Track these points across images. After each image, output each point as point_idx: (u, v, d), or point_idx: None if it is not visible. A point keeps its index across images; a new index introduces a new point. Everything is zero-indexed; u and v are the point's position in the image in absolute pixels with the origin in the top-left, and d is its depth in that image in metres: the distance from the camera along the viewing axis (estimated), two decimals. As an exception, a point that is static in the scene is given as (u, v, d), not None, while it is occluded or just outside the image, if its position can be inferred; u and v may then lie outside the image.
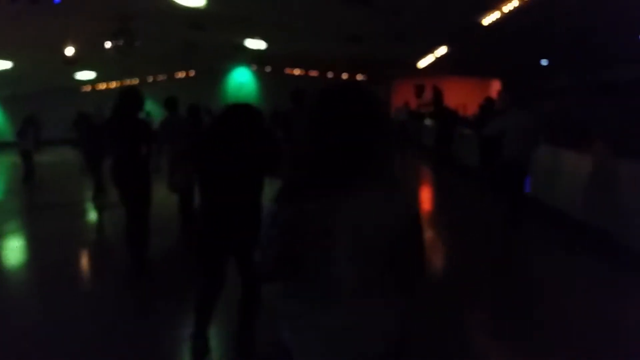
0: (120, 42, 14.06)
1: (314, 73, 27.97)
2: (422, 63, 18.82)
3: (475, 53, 14.63)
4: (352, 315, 1.67)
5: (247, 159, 3.33)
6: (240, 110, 3.39)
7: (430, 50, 15.13)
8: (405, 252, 1.69)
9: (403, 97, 24.03)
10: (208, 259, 3.54)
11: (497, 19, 10.93)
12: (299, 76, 28.09)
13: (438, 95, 21.30)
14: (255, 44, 16.61)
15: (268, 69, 27.92)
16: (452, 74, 23.29)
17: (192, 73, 28.02)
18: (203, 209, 3.50)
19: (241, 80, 29.04)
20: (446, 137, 13.45)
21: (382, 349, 1.72)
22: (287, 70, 27.87)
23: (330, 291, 1.67)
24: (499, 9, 10.71)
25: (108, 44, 14.38)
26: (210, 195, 3.46)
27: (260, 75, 28.79)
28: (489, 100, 9.19)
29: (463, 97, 24.14)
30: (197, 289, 3.65)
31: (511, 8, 10.42)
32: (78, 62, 20.76)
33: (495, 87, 25.09)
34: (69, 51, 17.33)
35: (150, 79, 28.53)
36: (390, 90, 28.03)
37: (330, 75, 27.83)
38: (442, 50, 14.43)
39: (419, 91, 22.28)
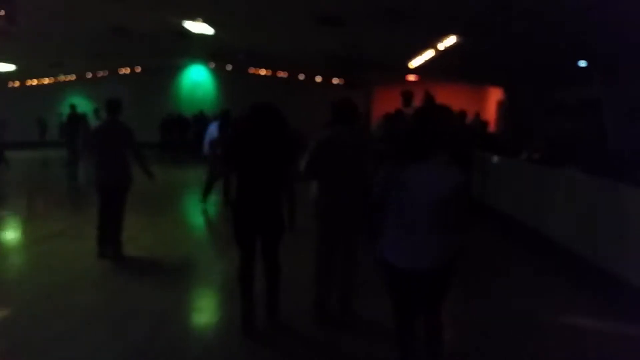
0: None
1: (282, 74, 24.05)
2: (416, 62, 14.87)
3: (489, 45, 10.79)
4: (423, 240, 3.02)
5: (270, 156, 4.14)
6: (266, 113, 4.15)
7: (433, 42, 11.04)
8: (459, 204, 3.03)
9: (386, 105, 19.52)
10: (242, 238, 4.27)
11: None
12: (265, 77, 24.11)
13: (430, 102, 17.47)
14: (199, 27, 12.57)
15: (229, 67, 23.84)
16: (444, 78, 19.52)
17: (138, 69, 23.80)
18: (237, 198, 4.26)
19: (197, 79, 24.91)
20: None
21: (441, 261, 3.06)
22: (251, 70, 23.86)
23: (409, 225, 3.04)
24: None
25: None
26: (242, 187, 4.21)
27: (219, 74, 24.69)
28: (461, 114, 9.83)
29: (456, 106, 20.46)
30: (236, 262, 4.35)
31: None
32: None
33: (493, 96, 21.46)
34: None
35: (89, 75, 24.21)
36: (371, 98, 24.21)
37: (301, 77, 23.96)
38: (450, 40, 10.44)
39: (407, 99, 18.40)
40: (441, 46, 11.02)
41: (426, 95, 17.42)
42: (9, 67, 20.69)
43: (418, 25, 9.73)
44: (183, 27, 12.91)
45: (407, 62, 15.58)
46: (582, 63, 11.42)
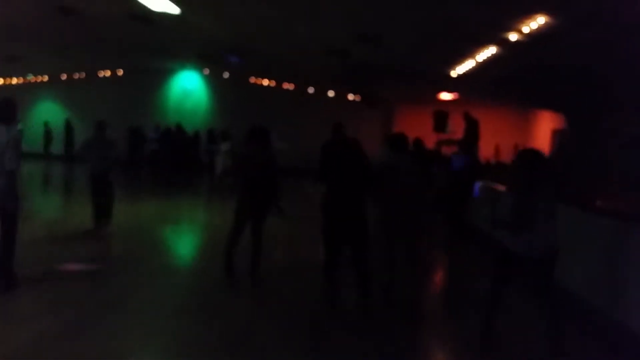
0: None
1: (288, 86, 20.43)
2: (463, 67, 10.85)
3: (588, 34, 6.81)
4: (535, 233, 4.11)
5: (352, 177, 5.01)
6: (345, 141, 5.43)
7: (507, 29, 7.00)
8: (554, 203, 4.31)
9: (412, 128, 14.79)
10: (330, 242, 5.11)
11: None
12: (268, 88, 20.52)
13: (473, 126, 13.38)
14: (157, 4, 8.93)
15: (226, 75, 20.26)
16: (484, 98, 15.67)
17: (120, 72, 20.37)
18: (328, 208, 5.07)
19: (188, 87, 21.37)
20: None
21: (549, 250, 4.16)
22: (252, 80, 20.28)
23: (528, 225, 4.12)
24: None
25: None
26: (332, 201, 5.05)
27: (215, 82, 21.14)
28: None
29: (497, 135, 16.60)
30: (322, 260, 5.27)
31: None
32: None
33: (544, 123, 17.53)
34: None
35: (63, 77, 20.81)
36: (391, 118, 20.48)
37: (311, 90, 20.32)
38: (536, 23, 6.51)
39: (440, 121, 14.49)
40: (514, 37, 7.15)
41: (467, 118, 13.45)
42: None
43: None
44: (139, 4, 9.28)
45: (449, 69, 11.65)
46: None
